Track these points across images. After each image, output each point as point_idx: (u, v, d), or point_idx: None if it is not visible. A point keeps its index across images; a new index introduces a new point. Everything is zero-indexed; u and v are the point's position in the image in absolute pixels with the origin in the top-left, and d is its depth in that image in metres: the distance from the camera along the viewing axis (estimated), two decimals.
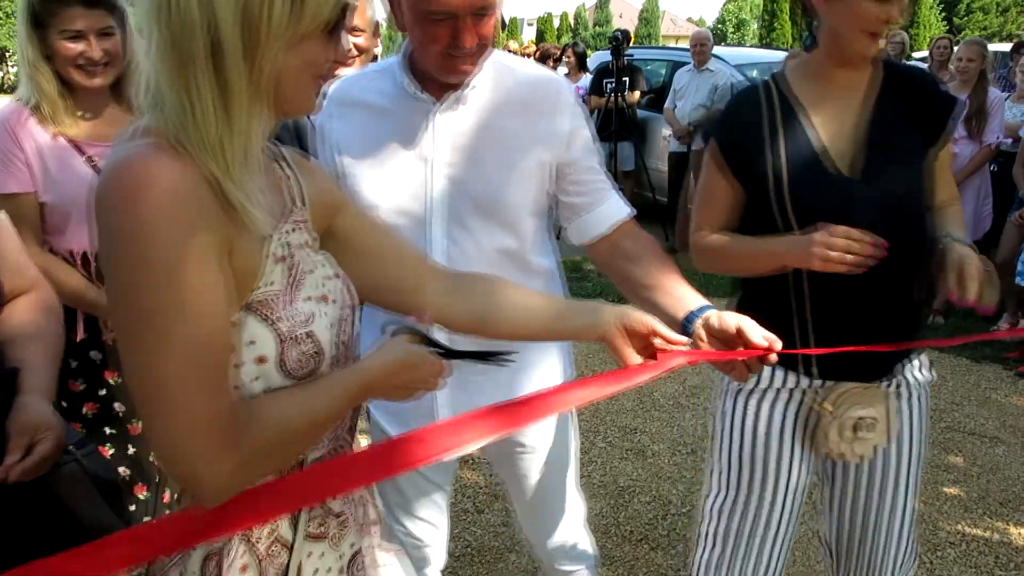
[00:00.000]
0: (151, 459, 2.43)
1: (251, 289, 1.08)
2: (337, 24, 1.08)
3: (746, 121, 1.99)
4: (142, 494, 2.39)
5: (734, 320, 1.47)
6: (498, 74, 1.84)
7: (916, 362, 2.05)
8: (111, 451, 2.35)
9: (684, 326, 1.55)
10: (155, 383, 0.97)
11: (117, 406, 2.38)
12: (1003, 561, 3.20)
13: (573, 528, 2.19)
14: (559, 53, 9.64)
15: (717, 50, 8.52)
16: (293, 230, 1.17)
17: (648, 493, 3.71)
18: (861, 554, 2.14)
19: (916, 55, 12.46)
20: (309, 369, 1.12)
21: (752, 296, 2.08)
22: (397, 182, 1.81)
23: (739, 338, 1.45)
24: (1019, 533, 3.39)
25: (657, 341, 1.42)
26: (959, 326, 5.64)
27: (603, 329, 1.42)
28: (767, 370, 2.00)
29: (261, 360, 1.09)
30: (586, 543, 2.22)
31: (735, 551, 2.12)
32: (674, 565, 3.19)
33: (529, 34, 63.79)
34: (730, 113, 2.08)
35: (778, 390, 2.03)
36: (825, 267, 1.76)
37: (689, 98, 7.89)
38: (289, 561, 1.17)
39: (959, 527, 3.43)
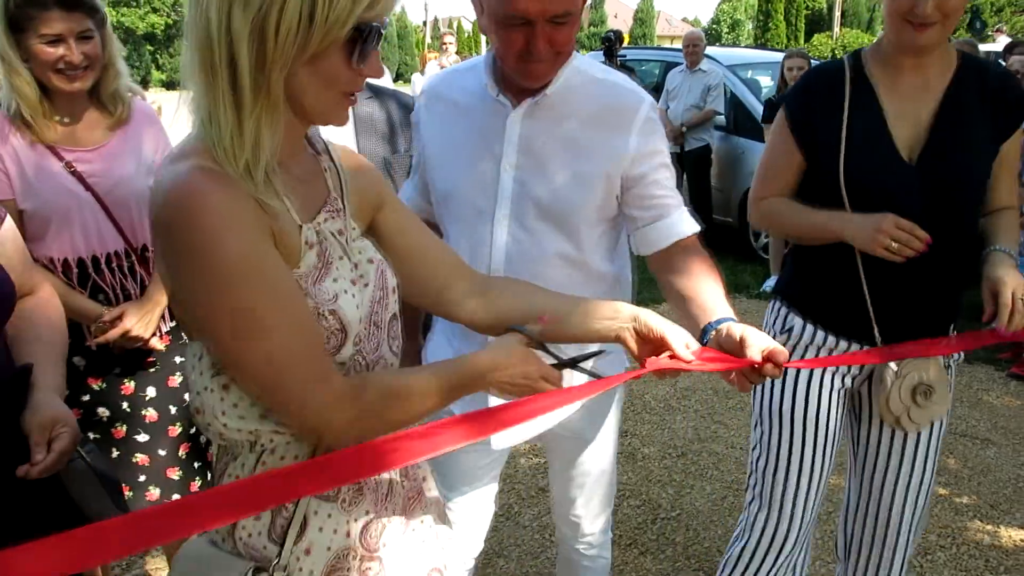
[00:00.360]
0: (134, 460, 2.43)
1: (291, 270, 1.20)
2: (355, 43, 1.16)
3: (820, 93, 2.08)
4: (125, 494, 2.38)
5: (739, 330, 1.45)
6: (579, 83, 1.88)
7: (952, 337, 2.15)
8: None
9: (703, 336, 1.55)
10: (268, 363, 1.13)
11: (101, 411, 2.38)
12: (993, 564, 3.19)
13: (606, 515, 2.31)
14: None
15: (710, 50, 8.54)
16: (327, 219, 1.29)
17: (638, 497, 3.70)
18: (878, 527, 2.23)
19: None
20: (332, 345, 1.22)
21: (809, 265, 2.20)
22: (469, 178, 1.92)
23: (741, 347, 1.42)
24: (1009, 536, 3.39)
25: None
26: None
27: (617, 331, 1.43)
28: (822, 334, 2.15)
29: None
30: (608, 531, 2.36)
31: (771, 506, 2.26)
32: (663, 570, 3.17)
33: None
34: (805, 84, 2.16)
35: (832, 351, 2.16)
36: (884, 255, 1.89)
37: (681, 99, 7.90)
38: (294, 513, 1.26)
39: (949, 530, 3.42)
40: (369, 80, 1.27)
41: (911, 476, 2.18)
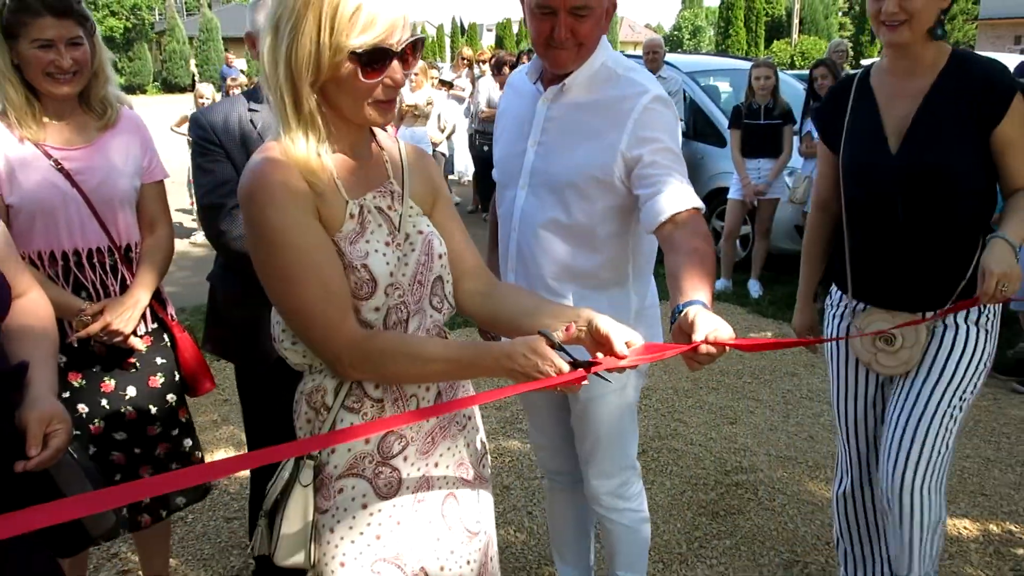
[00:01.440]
0: (111, 458, 2.49)
1: (333, 234, 1.54)
2: (357, 62, 1.44)
3: (836, 100, 2.46)
4: None
5: (693, 314, 1.56)
6: (599, 75, 2.14)
7: (974, 311, 2.34)
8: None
9: (672, 317, 1.65)
10: (298, 307, 1.50)
11: (81, 407, 2.43)
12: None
13: (617, 476, 2.48)
14: (515, 60, 9.69)
15: (670, 57, 8.69)
16: (375, 197, 1.62)
17: None
18: (884, 445, 2.45)
19: (865, 62, 12.67)
20: (365, 292, 1.55)
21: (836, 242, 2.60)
22: (509, 152, 2.31)
23: (691, 330, 1.54)
24: (953, 524, 3.53)
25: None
26: None
27: (576, 333, 1.57)
28: (837, 292, 2.58)
29: None
30: (631, 498, 2.53)
31: (838, 435, 2.75)
32: None
33: (488, 40, 63.75)
34: (828, 94, 2.56)
35: (843, 308, 2.56)
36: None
37: None
38: (325, 422, 1.62)
39: None
40: None
41: (919, 419, 2.36)
